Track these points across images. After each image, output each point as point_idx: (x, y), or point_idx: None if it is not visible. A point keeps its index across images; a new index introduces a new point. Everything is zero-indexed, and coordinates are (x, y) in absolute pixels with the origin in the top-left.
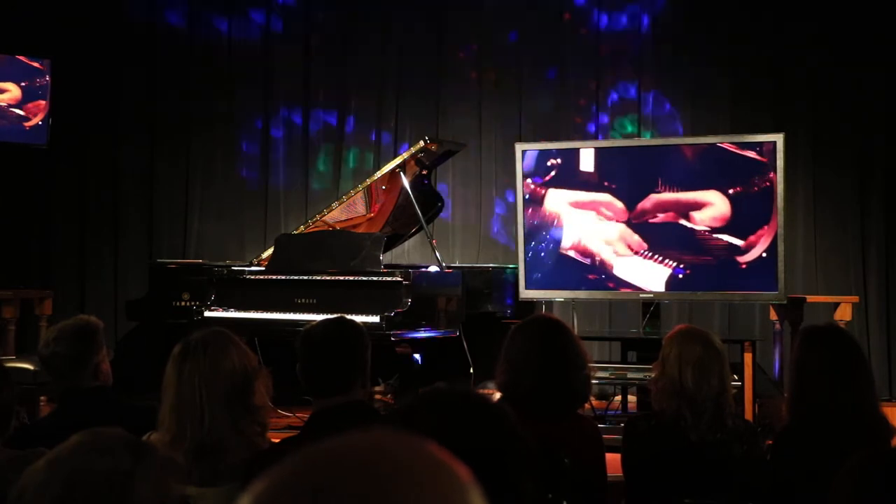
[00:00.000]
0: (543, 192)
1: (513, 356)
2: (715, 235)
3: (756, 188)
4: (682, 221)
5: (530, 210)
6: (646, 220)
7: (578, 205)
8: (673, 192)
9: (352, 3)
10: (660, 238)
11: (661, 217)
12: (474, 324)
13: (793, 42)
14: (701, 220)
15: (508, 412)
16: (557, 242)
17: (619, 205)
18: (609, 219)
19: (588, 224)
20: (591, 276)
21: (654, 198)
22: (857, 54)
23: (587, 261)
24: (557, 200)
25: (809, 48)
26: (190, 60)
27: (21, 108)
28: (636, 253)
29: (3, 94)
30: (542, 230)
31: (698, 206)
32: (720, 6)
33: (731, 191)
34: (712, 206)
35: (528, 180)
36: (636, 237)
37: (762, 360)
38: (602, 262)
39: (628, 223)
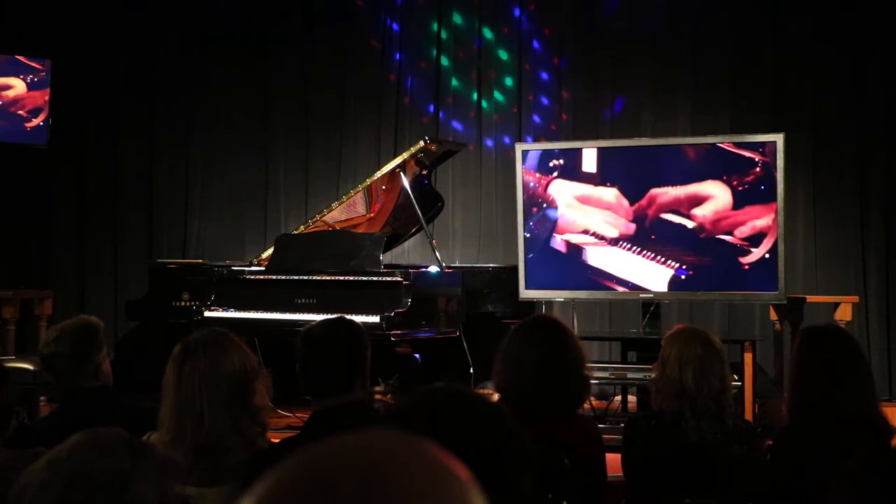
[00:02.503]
0: (547, 183)
1: (510, 356)
2: (718, 237)
3: (758, 186)
4: (685, 221)
5: (534, 209)
6: (649, 219)
7: (584, 200)
8: (673, 187)
9: (352, 3)
10: (664, 238)
11: (663, 216)
12: (474, 324)
13: (793, 42)
14: (703, 216)
15: (505, 411)
16: (560, 242)
17: (625, 202)
18: (614, 219)
19: (593, 224)
20: (591, 277)
21: (654, 197)
22: (857, 54)
23: (590, 261)
24: (563, 195)
25: (809, 48)
26: (190, 61)
27: (25, 106)
28: (639, 253)
29: (9, 90)
30: (544, 230)
31: (699, 200)
32: (720, 6)
33: (734, 182)
34: (714, 199)
35: (531, 180)
36: (641, 236)
37: (762, 360)
38: (604, 262)
39: (633, 221)
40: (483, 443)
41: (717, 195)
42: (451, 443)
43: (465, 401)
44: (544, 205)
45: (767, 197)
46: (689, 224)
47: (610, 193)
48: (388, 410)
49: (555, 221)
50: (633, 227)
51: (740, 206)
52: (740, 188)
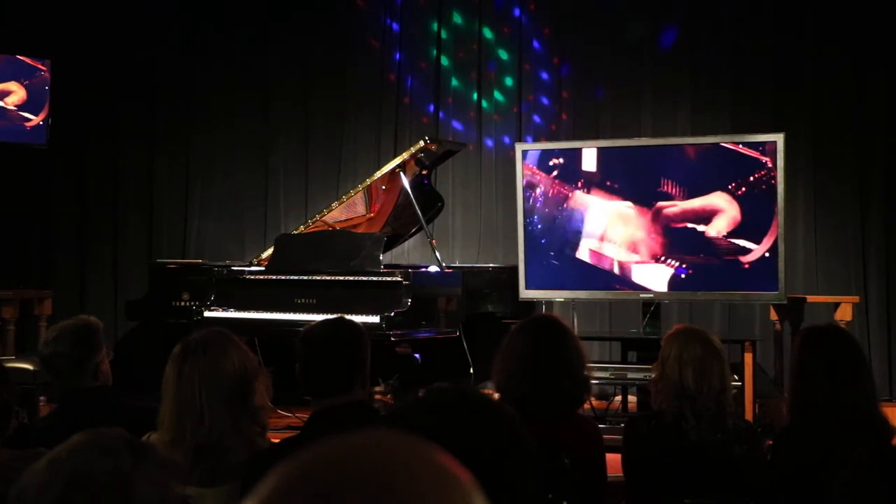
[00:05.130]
0: (569, 193)
1: (509, 357)
2: (729, 240)
3: (760, 188)
4: (698, 227)
5: (541, 209)
6: (659, 225)
7: (600, 210)
8: (680, 199)
9: (352, 3)
10: (667, 240)
11: (674, 224)
12: (474, 324)
13: (793, 42)
14: (718, 229)
15: (510, 412)
16: (565, 243)
17: (641, 216)
18: (634, 230)
19: (603, 227)
20: (593, 277)
21: (663, 210)
22: (857, 54)
23: (599, 263)
24: (581, 203)
25: (809, 48)
26: (190, 61)
27: (27, 110)
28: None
29: (10, 95)
30: (548, 231)
31: (709, 213)
32: (720, 6)
33: (738, 193)
34: (724, 213)
35: (539, 174)
36: (650, 240)
37: (762, 360)
38: (612, 265)
39: (644, 228)
40: (487, 444)
41: (725, 209)
42: (454, 444)
43: (470, 401)
44: (565, 213)
45: (769, 196)
46: (701, 229)
47: (626, 206)
48: (392, 410)
49: (567, 222)
50: (645, 230)
51: (748, 215)
52: (745, 197)
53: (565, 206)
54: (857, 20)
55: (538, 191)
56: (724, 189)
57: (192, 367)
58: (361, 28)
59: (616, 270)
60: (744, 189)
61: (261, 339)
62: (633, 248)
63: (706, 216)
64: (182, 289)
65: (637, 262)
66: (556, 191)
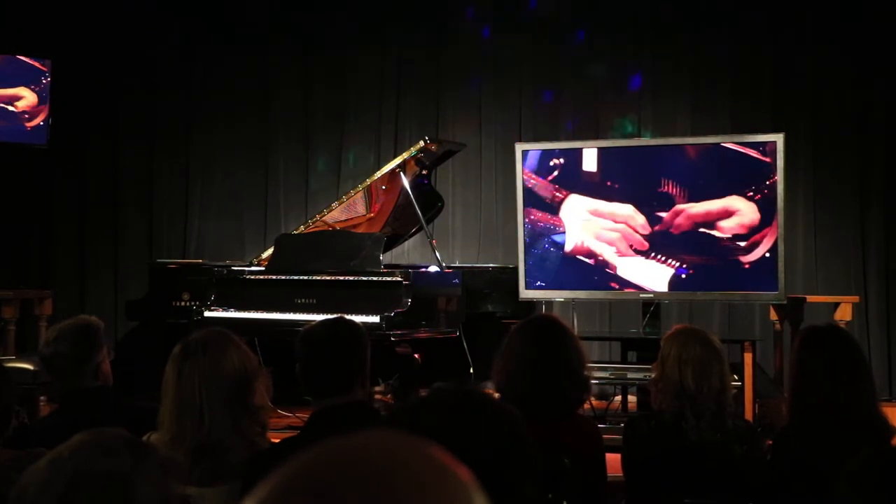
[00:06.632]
0: (563, 196)
1: (509, 357)
2: (733, 241)
3: (766, 189)
4: (706, 230)
5: (538, 212)
6: (667, 230)
7: (598, 213)
8: (682, 200)
9: (352, 3)
10: (668, 240)
11: (686, 226)
12: (474, 324)
13: (793, 42)
14: (729, 229)
15: (512, 412)
16: (563, 245)
17: (640, 218)
18: (630, 234)
19: (599, 229)
20: (593, 277)
21: (682, 212)
22: (857, 54)
23: (594, 263)
24: (577, 206)
25: (809, 48)
26: (190, 61)
27: (35, 112)
28: (641, 254)
29: (20, 100)
30: (548, 232)
31: (727, 214)
32: (720, 6)
33: (756, 196)
34: (740, 214)
35: (536, 180)
36: (646, 242)
37: (762, 360)
38: (607, 264)
39: (648, 237)
40: (489, 445)
41: (742, 209)
42: (456, 444)
43: (473, 402)
44: (561, 208)
45: (771, 196)
46: (709, 232)
47: (626, 209)
48: (394, 410)
49: (563, 224)
50: (646, 244)
51: (766, 218)
52: (758, 200)
53: (562, 208)
54: (857, 20)
55: (535, 196)
56: (740, 193)
57: (192, 367)
58: (362, 27)
59: (615, 270)
60: (759, 195)
61: (261, 339)
62: (632, 248)
63: (723, 217)
64: (182, 289)
65: (634, 256)
66: (552, 194)
